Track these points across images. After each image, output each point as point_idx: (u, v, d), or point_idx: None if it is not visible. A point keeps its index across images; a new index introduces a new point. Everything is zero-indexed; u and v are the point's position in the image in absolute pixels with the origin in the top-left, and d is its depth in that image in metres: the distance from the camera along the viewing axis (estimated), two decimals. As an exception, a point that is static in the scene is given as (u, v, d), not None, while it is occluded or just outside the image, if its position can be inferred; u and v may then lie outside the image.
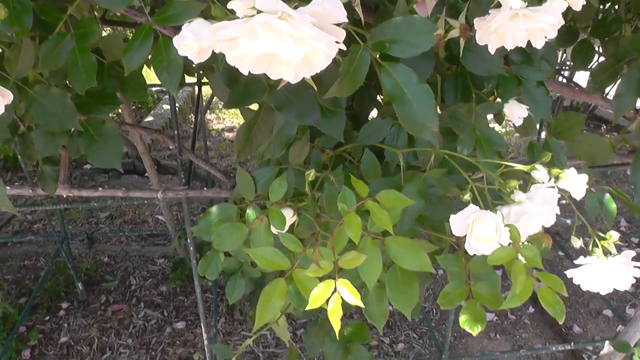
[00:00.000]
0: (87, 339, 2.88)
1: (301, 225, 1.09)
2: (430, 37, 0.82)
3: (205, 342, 1.88)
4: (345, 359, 1.46)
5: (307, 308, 0.79)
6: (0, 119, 0.96)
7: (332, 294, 0.78)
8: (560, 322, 0.98)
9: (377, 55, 0.83)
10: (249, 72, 0.69)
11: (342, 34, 0.68)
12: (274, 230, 1.01)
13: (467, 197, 0.94)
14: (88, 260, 3.38)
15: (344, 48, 0.69)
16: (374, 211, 0.84)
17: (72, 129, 1.20)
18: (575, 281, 1.07)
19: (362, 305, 0.78)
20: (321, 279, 0.82)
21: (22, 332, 2.89)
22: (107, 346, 2.85)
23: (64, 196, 1.54)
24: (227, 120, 5.81)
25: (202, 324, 1.85)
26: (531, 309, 3.15)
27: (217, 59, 0.82)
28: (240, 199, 1.16)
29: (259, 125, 1.01)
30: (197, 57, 0.72)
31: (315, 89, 0.82)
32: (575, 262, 1.09)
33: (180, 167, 1.61)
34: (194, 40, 0.74)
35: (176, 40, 0.76)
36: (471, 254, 0.94)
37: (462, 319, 1.01)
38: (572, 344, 2.41)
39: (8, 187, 1.54)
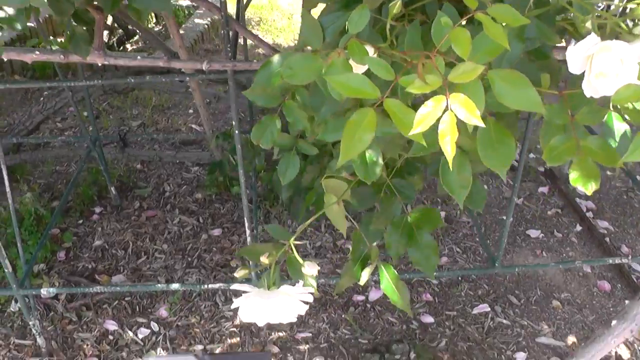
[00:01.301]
0: (121, 243, 2.81)
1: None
2: None
3: (248, 237, 1.78)
4: (410, 247, 1.33)
5: (411, 133, 0.66)
6: None
7: (443, 113, 0.64)
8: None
9: None
10: None
11: None
12: (355, 68, 0.86)
13: (588, 24, 0.79)
14: (120, 167, 3.29)
15: None
16: (486, 24, 0.69)
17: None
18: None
19: (482, 124, 0.64)
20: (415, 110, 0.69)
21: (56, 234, 2.83)
22: (142, 251, 2.77)
23: (99, 64, 1.41)
24: (259, 35, 5.63)
25: (245, 217, 1.73)
26: (579, 227, 3.02)
27: None
28: (303, 49, 1.01)
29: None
30: None
31: None
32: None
33: (227, 40, 1.47)
34: None
35: None
36: (588, 95, 0.79)
37: (573, 176, 0.87)
38: (630, 257, 2.27)
39: (37, 52, 1.42)
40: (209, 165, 2.49)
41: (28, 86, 3.88)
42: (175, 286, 2.00)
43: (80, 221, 2.94)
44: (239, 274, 1.11)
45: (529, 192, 3.25)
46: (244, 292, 1.09)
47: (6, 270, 1.92)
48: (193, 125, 3.75)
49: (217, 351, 2.31)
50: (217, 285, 1.99)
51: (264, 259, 1.08)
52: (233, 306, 1.10)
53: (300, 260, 1.12)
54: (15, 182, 3.10)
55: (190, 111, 3.98)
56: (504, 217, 3.06)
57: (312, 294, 1.11)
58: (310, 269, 1.10)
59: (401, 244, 1.34)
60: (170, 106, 4.05)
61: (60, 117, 3.88)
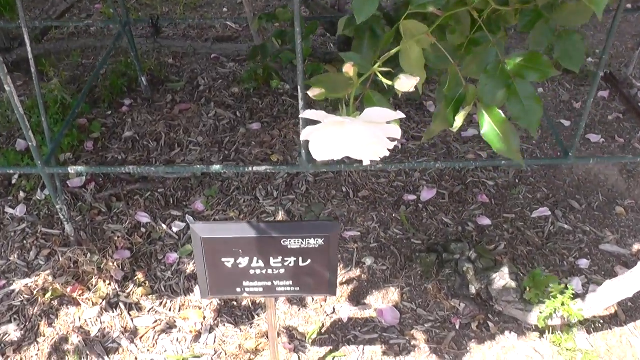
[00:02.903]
0: (153, 135, 2.62)
1: None
2: None
3: (301, 103, 1.56)
4: (509, 100, 1.11)
5: None
6: None
7: None
8: None
9: None
10: None
11: None
12: None
13: None
14: (151, 61, 3.07)
15: None
16: None
17: None
18: None
19: None
20: None
21: (83, 124, 2.65)
22: (176, 142, 2.59)
23: None
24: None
25: (298, 73, 1.51)
26: (643, 132, 2.79)
27: None
28: None
29: None
30: None
31: None
32: None
33: None
34: None
35: None
36: None
37: None
38: None
39: None
40: (251, 48, 2.26)
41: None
42: (216, 168, 1.80)
43: (109, 112, 2.75)
44: (313, 92, 0.90)
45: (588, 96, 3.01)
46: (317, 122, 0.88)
47: (30, 144, 1.73)
48: (228, 22, 3.50)
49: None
50: (262, 168, 1.80)
51: (348, 69, 0.86)
52: (302, 137, 0.89)
53: (389, 82, 0.91)
54: (41, 70, 2.89)
55: (225, 9, 3.74)
56: (562, 121, 2.84)
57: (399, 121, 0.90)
58: (408, 80, 0.88)
59: (497, 95, 1.12)
60: (203, 4, 3.81)
61: (86, 14, 3.67)
